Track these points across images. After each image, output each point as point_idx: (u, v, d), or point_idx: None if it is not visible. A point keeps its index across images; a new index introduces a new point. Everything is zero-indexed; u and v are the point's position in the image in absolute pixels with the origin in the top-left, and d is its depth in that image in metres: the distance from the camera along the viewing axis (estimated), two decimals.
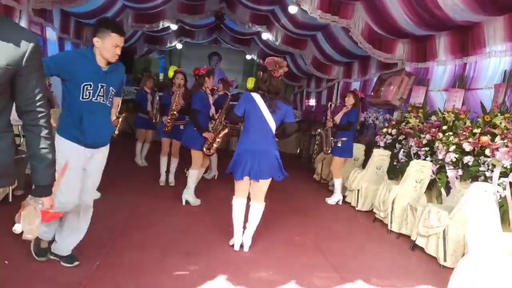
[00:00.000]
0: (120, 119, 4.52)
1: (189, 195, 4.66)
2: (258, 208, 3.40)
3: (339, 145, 5.47)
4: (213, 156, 6.23)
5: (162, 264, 3.01)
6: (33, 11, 5.55)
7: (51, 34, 6.65)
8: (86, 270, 2.75)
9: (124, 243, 3.32)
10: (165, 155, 5.48)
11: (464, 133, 4.16)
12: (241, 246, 3.44)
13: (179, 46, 12.36)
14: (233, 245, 3.45)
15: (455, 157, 4.12)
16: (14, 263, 2.72)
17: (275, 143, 3.37)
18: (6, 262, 3.01)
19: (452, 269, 3.13)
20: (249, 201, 3.45)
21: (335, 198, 5.62)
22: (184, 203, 4.66)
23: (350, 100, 5.51)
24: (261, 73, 3.34)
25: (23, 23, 5.51)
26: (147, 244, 3.35)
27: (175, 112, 5.07)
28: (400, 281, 3.22)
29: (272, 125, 3.26)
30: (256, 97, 3.24)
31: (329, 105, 6.12)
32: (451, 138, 4.29)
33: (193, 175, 4.59)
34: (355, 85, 8.23)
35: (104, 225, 3.68)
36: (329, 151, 5.71)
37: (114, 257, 3.03)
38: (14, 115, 4.20)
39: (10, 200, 3.95)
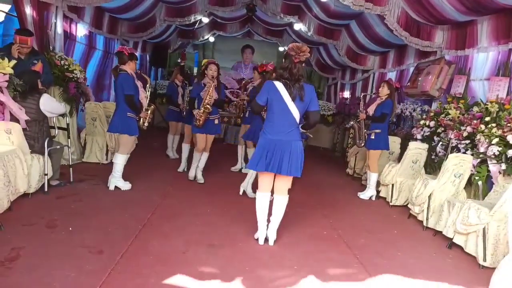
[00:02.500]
0: (149, 111, 4.58)
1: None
2: (281, 201, 3.31)
3: (372, 137, 5.25)
4: (239, 149, 6.17)
5: (185, 255, 3.00)
6: (67, 8, 5.74)
7: (81, 30, 6.79)
8: (112, 258, 2.79)
9: (150, 234, 3.35)
10: (199, 151, 5.20)
11: (508, 124, 3.85)
12: (267, 239, 3.37)
13: (212, 39, 12.41)
14: (257, 239, 3.39)
15: (498, 151, 3.82)
16: (43, 251, 2.81)
17: (299, 133, 3.24)
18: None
19: (492, 269, 2.92)
20: (272, 193, 3.37)
21: (368, 193, 5.41)
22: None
23: (384, 91, 5.25)
24: (283, 59, 3.24)
25: (59, 19, 5.69)
26: (173, 235, 3.36)
27: (208, 106, 4.87)
28: (434, 280, 3.03)
29: (296, 114, 3.14)
30: (279, 85, 3.12)
31: (362, 96, 5.89)
32: (494, 130, 3.99)
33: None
34: (391, 75, 7.90)
35: (132, 214, 3.75)
36: (362, 144, 5.50)
37: (140, 246, 3.06)
38: (48, 107, 4.33)
39: (46, 189, 4.10)
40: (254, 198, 3.41)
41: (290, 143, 3.15)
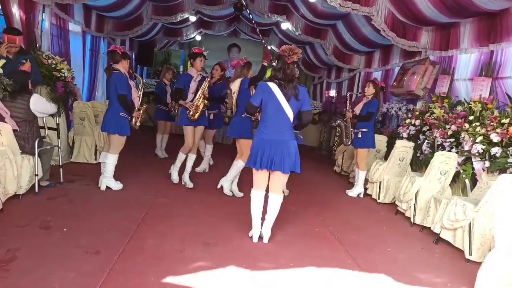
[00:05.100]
0: (141, 111, 4.57)
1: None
2: (276, 200, 3.38)
3: (359, 136, 5.36)
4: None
5: (182, 254, 3.03)
6: (56, 5, 5.66)
7: (73, 28, 6.72)
8: (109, 258, 2.80)
9: (146, 233, 3.36)
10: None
11: (491, 123, 4.01)
12: (261, 237, 3.43)
13: (198, 38, 12.38)
14: (252, 237, 3.44)
15: (482, 149, 3.98)
16: (39, 252, 2.80)
17: (293, 133, 3.34)
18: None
19: (478, 263, 3.05)
20: (267, 193, 3.43)
21: (356, 190, 5.53)
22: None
23: (370, 90, 5.36)
24: (276, 61, 3.31)
25: (46, 18, 5.61)
26: (168, 234, 3.39)
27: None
28: (423, 274, 3.15)
29: (290, 114, 3.23)
30: (273, 86, 3.21)
31: (348, 95, 6.00)
32: (478, 129, 4.15)
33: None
34: (377, 74, 8.06)
35: (126, 214, 3.75)
36: (349, 143, 5.61)
37: (136, 246, 3.07)
38: (38, 107, 4.28)
39: (37, 190, 4.05)
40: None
41: (287, 142, 3.24)
